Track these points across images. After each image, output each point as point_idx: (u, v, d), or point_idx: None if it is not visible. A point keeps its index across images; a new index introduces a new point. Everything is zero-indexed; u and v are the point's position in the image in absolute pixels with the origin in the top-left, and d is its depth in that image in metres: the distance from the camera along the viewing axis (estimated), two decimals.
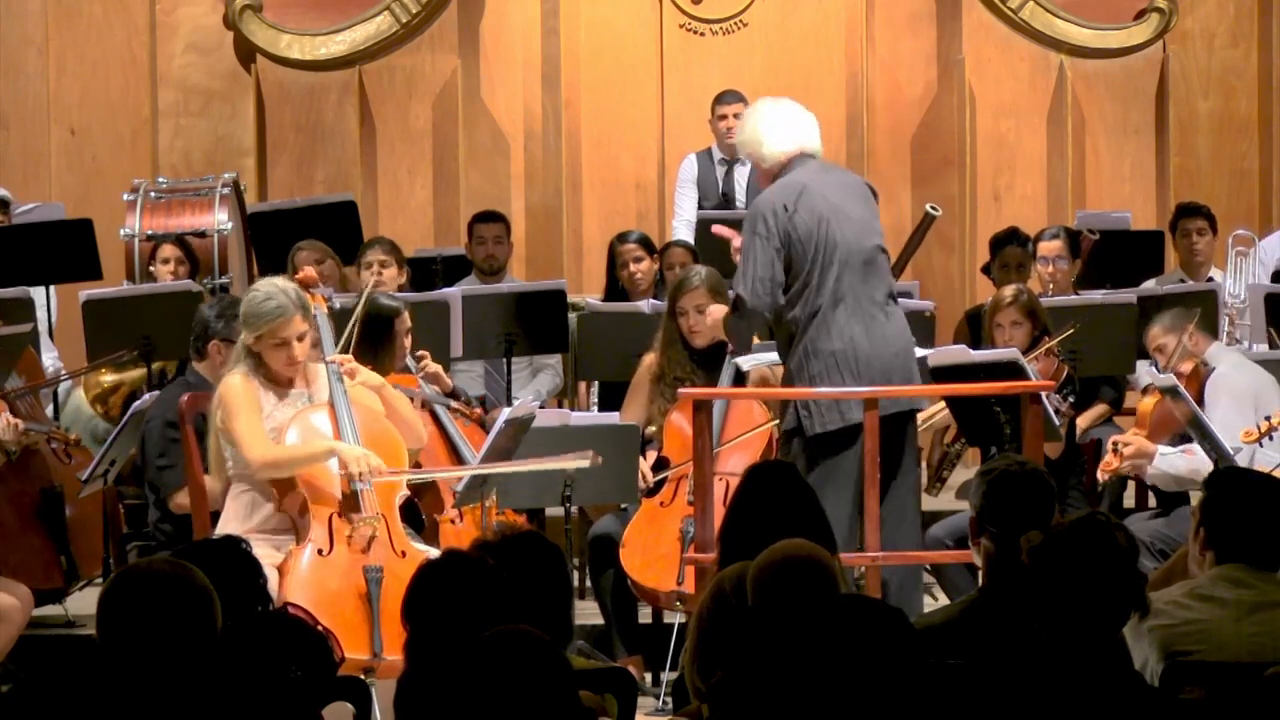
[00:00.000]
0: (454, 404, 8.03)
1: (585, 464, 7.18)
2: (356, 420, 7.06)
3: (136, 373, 9.48)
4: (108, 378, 9.49)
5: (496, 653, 3.88)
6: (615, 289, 10.05)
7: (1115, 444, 7.97)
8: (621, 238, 10.17)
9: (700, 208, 11.03)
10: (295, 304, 7.04)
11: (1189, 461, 7.89)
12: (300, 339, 7.05)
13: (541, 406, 8.52)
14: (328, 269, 9.58)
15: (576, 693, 4.04)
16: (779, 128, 7.50)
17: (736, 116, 11.05)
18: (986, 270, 10.47)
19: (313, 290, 7.36)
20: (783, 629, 4.28)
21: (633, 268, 9.97)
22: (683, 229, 10.94)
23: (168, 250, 9.79)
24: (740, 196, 10.98)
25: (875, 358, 7.31)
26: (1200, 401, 7.95)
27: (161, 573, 4.14)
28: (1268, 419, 7.63)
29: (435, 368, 8.27)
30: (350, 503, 6.93)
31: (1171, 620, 4.95)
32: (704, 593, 4.75)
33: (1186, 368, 8.08)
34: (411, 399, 7.59)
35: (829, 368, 7.30)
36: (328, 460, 6.92)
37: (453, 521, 7.68)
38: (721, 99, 11.16)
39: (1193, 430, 7.84)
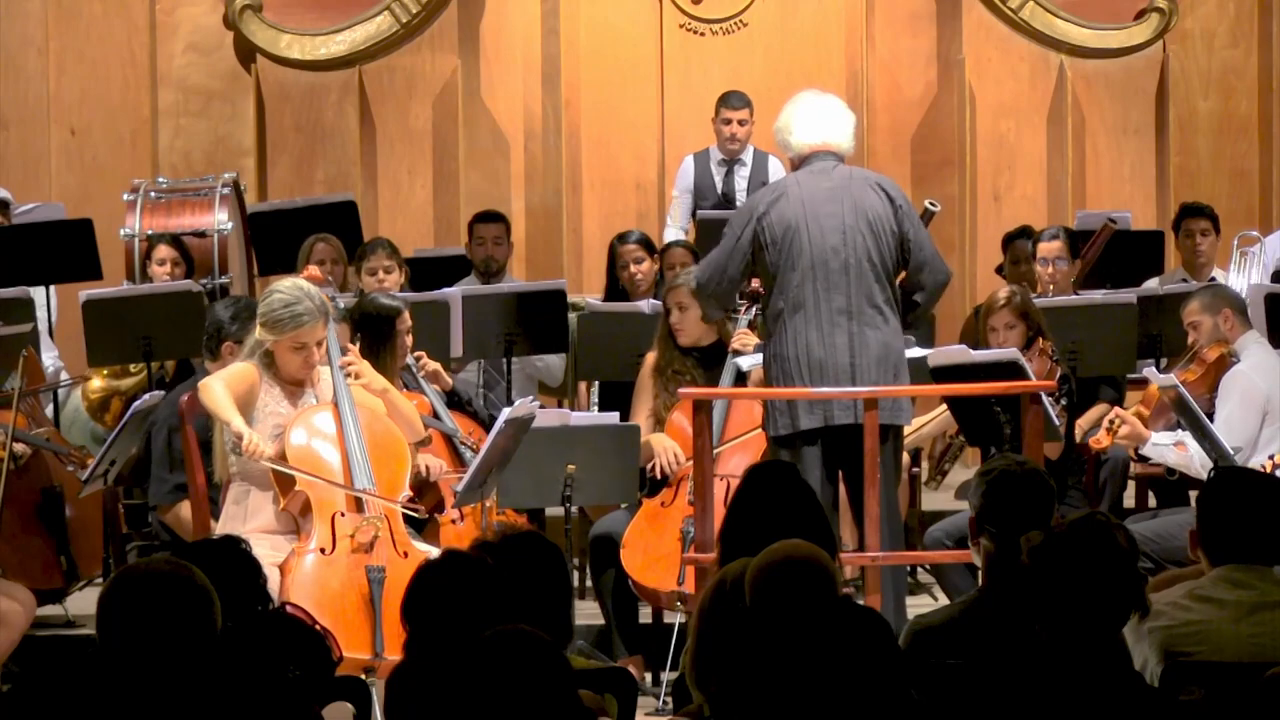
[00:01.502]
0: (461, 436, 8.05)
1: None
2: (360, 421, 7.06)
3: (131, 380, 9.47)
4: (96, 383, 9.48)
5: (496, 653, 3.88)
6: (615, 289, 10.05)
7: (1111, 421, 7.98)
8: (622, 238, 10.16)
9: (699, 208, 11.04)
10: (320, 311, 7.04)
11: (1179, 456, 7.91)
12: (319, 344, 7.06)
13: (541, 407, 8.51)
14: (338, 271, 9.59)
15: (576, 693, 4.05)
16: (809, 120, 7.58)
17: (742, 123, 11.05)
18: (1000, 270, 10.47)
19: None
20: (779, 630, 4.29)
21: (633, 268, 9.97)
22: (673, 236, 10.93)
23: (163, 250, 9.77)
24: (740, 198, 10.96)
25: (830, 366, 7.31)
26: (1214, 388, 7.97)
27: (161, 573, 4.14)
28: (1271, 458, 7.64)
29: (434, 366, 8.28)
30: (353, 503, 6.95)
31: (1171, 621, 4.94)
32: (705, 589, 4.75)
33: (1213, 355, 8.07)
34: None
35: (784, 373, 7.37)
36: (223, 423, 6.92)
37: (454, 521, 7.69)
38: (728, 102, 11.09)
39: (1192, 430, 7.85)
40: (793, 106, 7.68)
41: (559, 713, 3.86)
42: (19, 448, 7.98)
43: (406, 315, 8.04)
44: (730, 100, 11.10)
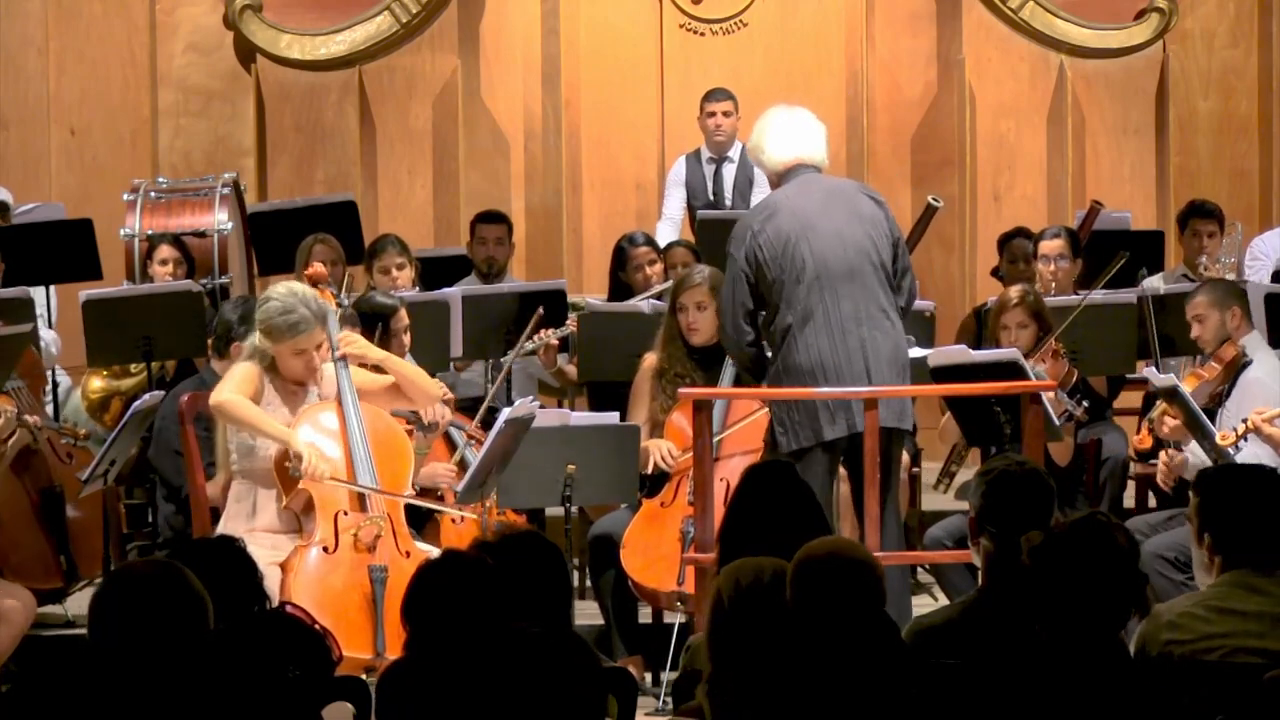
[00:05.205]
0: (470, 428, 8.08)
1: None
2: (364, 418, 7.07)
3: (130, 381, 9.48)
4: (96, 383, 9.48)
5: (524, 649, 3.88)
6: (619, 289, 10.01)
7: (1151, 420, 7.99)
8: (631, 239, 10.11)
9: (691, 208, 11.06)
10: (317, 316, 7.05)
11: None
12: (319, 348, 7.07)
13: (541, 407, 8.50)
14: (337, 272, 9.59)
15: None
16: (782, 136, 7.57)
17: (726, 114, 11.12)
18: (995, 272, 10.45)
19: (322, 286, 7.38)
20: (821, 629, 4.28)
21: (648, 269, 9.91)
22: (665, 229, 10.95)
23: (165, 251, 9.77)
24: (728, 195, 11.00)
25: (846, 373, 7.29)
26: (1232, 385, 7.96)
27: (152, 574, 4.14)
28: (1245, 421, 7.64)
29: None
30: (356, 502, 6.95)
31: (1191, 635, 4.88)
32: (724, 584, 4.73)
33: (1228, 354, 8.05)
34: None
35: (797, 385, 7.31)
36: (276, 441, 6.92)
37: (454, 521, 7.69)
38: (710, 96, 11.20)
39: (1192, 431, 7.84)
40: (763, 124, 7.67)
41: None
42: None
43: (403, 313, 8.05)
44: (712, 95, 11.21)
